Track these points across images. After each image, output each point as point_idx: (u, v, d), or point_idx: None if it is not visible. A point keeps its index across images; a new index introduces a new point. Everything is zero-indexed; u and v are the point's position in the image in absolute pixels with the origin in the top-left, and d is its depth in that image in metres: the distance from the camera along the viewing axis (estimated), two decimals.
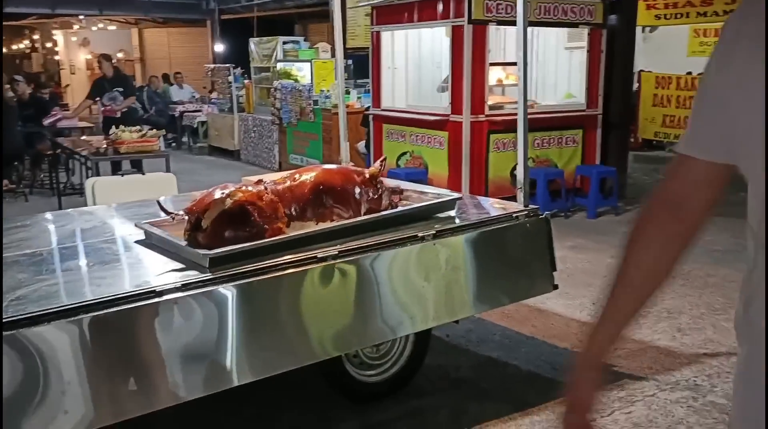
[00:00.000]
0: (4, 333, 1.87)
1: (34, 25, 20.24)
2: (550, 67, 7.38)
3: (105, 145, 5.82)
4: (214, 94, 11.95)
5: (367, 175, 2.84)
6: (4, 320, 1.91)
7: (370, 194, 2.81)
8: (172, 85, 13.96)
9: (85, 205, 4.42)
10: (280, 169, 9.14)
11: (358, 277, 2.51)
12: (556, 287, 3.10)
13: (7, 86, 8.43)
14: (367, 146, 7.67)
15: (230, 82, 11.00)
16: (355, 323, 2.54)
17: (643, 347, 3.59)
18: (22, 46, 21.78)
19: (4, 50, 16.68)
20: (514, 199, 3.28)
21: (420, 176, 6.42)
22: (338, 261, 2.45)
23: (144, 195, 3.78)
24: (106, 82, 7.96)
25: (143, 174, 5.29)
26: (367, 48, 7.78)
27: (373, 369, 2.98)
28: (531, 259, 3.04)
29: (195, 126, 12.24)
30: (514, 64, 6.49)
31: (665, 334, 3.77)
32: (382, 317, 2.57)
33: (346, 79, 8.46)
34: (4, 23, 15.55)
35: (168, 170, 5.53)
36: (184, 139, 12.68)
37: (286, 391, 3.08)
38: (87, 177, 7.46)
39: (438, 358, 3.40)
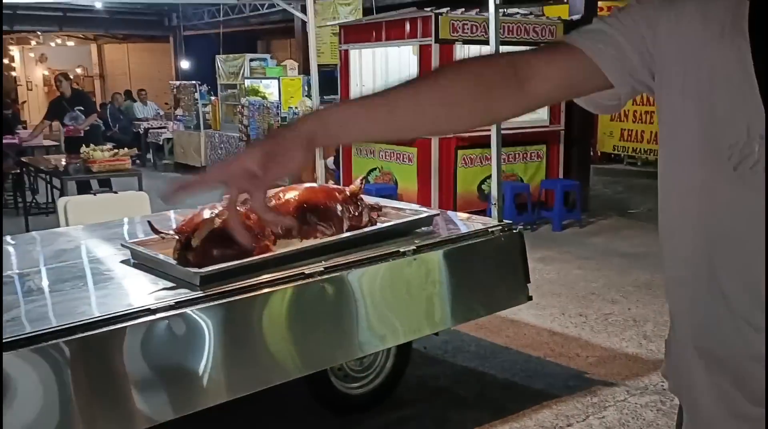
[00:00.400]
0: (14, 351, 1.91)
1: None
2: None
3: (77, 164, 5.79)
4: (178, 111, 11.92)
5: (348, 193, 2.94)
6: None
7: (351, 211, 2.91)
8: (134, 101, 13.86)
9: (57, 224, 4.41)
10: None
11: (343, 292, 2.59)
12: (530, 298, 3.22)
13: None
14: (336, 162, 7.76)
15: (196, 99, 11.00)
16: (341, 337, 2.62)
17: (613, 355, 3.74)
18: None
19: None
20: (481, 212, 3.41)
21: (390, 191, 6.54)
22: (324, 277, 2.53)
23: (117, 214, 3.81)
24: (65, 101, 7.86)
25: (115, 192, 5.27)
26: (333, 65, 7.89)
27: (357, 381, 3.06)
28: (506, 272, 3.16)
29: (160, 143, 12.17)
30: None
31: (632, 341, 3.93)
32: (367, 331, 2.65)
33: (310, 96, 8.57)
34: None
35: (140, 189, 5.53)
36: (149, 156, 12.59)
37: (271, 404, 3.13)
38: (53, 196, 7.38)
39: (417, 369, 3.49)
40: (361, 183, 2.96)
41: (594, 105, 1.02)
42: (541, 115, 7.18)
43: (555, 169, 7.25)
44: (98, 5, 11.07)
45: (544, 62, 0.97)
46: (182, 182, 0.88)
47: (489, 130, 3.47)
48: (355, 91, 7.38)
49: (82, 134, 7.59)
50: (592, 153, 8.91)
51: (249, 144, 0.94)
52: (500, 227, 3.09)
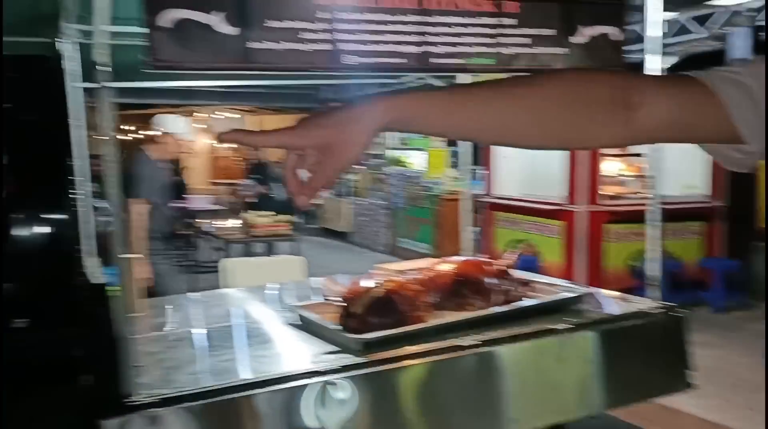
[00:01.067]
0: (189, 404, 2.09)
1: (159, 113, 22.14)
2: (666, 154, 7.34)
3: (240, 227, 6.28)
4: None
5: (502, 267, 2.98)
6: (180, 394, 2.13)
7: (503, 286, 2.94)
8: None
9: (217, 283, 4.78)
10: (393, 253, 9.40)
11: (496, 367, 2.59)
12: (689, 385, 3.05)
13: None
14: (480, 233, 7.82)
15: None
16: (493, 414, 2.60)
17: None
18: (150, 132, 23.80)
19: (138, 135, 18.39)
20: (630, 290, 3.30)
21: (532, 264, 6.47)
22: (479, 350, 2.55)
23: (276, 277, 4.07)
24: (254, 168, 8.86)
25: (271, 255, 5.64)
26: None
27: None
28: (665, 357, 3.02)
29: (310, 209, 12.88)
30: (635, 155, 6.56)
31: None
32: (518, 409, 2.62)
33: (454, 166, 8.75)
34: (138, 112, 17.14)
35: (296, 253, 5.86)
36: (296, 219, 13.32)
37: None
38: (214, 256, 8.00)
39: None
40: (517, 258, 2.99)
41: (721, 156, 0.91)
42: (699, 188, 6.87)
43: (714, 246, 6.85)
44: (262, 83, 12.09)
45: (662, 92, 0.86)
46: (246, 131, 0.99)
47: (643, 204, 3.40)
48: (498, 162, 7.46)
49: (255, 200, 8.36)
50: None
51: (310, 120, 1.00)
52: (661, 309, 2.97)
